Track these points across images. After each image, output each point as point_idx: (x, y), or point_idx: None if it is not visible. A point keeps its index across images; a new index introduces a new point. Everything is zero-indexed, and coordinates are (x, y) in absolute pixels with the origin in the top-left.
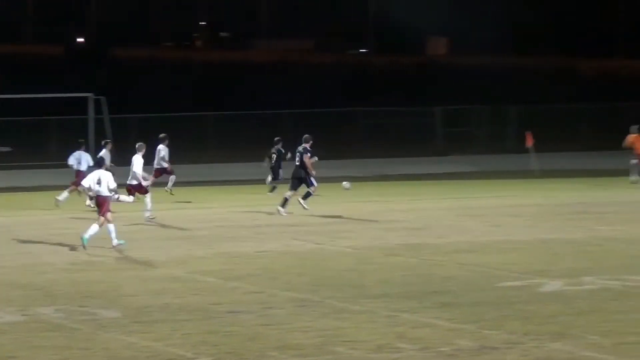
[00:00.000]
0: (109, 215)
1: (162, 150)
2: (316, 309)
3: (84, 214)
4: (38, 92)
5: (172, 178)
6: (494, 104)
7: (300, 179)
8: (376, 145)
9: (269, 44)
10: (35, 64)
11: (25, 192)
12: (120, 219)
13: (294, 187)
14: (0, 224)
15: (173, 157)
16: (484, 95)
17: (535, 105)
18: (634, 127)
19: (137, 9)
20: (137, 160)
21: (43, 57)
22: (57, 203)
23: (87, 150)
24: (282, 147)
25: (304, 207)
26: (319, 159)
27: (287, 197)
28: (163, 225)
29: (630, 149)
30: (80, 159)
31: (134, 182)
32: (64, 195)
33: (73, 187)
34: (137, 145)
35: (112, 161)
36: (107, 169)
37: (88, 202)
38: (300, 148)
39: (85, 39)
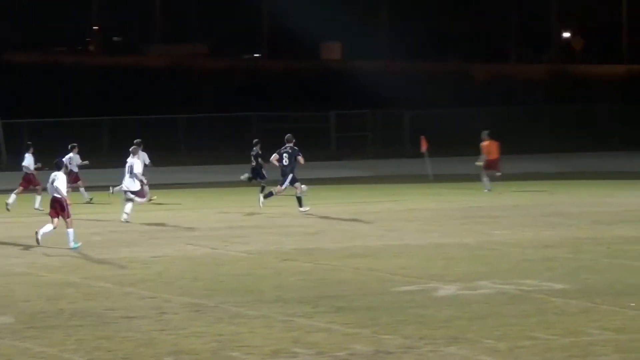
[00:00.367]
0: (69, 221)
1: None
2: (211, 313)
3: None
4: None
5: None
6: (388, 108)
7: (284, 176)
8: (270, 150)
9: (162, 48)
10: None
11: None
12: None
13: (291, 183)
14: None
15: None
16: (378, 100)
17: (430, 110)
18: (484, 133)
19: (29, 13)
20: (137, 163)
21: None
22: (8, 207)
23: (33, 154)
24: (260, 149)
25: (259, 205)
26: (209, 164)
27: (298, 195)
28: (57, 232)
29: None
30: (29, 161)
31: (134, 188)
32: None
33: (21, 188)
34: (131, 148)
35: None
36: (65, 172)
37: (37, 204)
38: (287, 149)
39: None
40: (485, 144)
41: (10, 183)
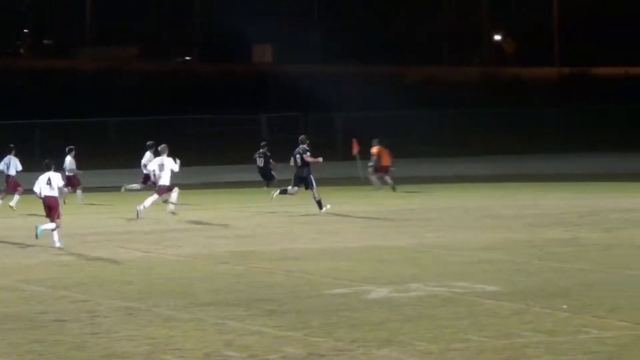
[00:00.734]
0: (58, 221)
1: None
2: (144, 317)
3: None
4: None
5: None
6: (320, 111)
7: (301, 178)
8: (203, 153)
9: (93, 51)
10: None
11: None
12: None
13: (297, 185)
14: None
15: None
16: (310, 103)
17: (362, 113)
18: (375, 140)
19: None
20: (155, 162)
21: None
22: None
23: (16, 155)
24: (268, 151)
25: (271, 198)
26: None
27: (292, 193)
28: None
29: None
30: (9, 163)
31: (166, 183)
32: None
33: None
34: (160, 148)
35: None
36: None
37: (13, 203)
38: (299, 149)
39: None
40: (374, 150)
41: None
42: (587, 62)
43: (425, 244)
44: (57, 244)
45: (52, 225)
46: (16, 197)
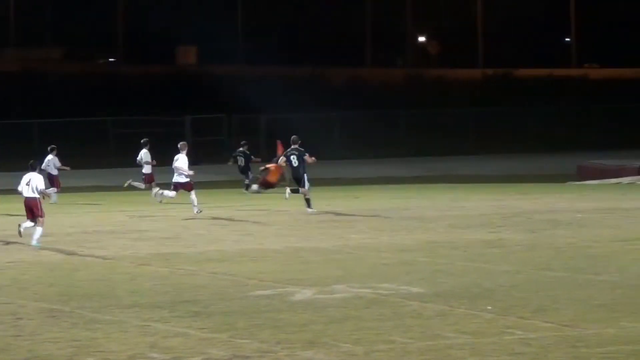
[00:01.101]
0: (41, 220)
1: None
2: (67, 319)
3: None
4: None
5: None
6: (244, 113)
7: (297, 179)
8: (126, 155)
9: (16, 52)
10: None
11: None
12: None
13: (302, 185)
14: None
15: None
16: (235, 105)
17: (286, 114)
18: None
19: None
20: (182, 158)
21: None
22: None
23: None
24: (247, 149)
25: (286, 197)
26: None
27: (307, 197)
28: None
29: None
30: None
31: (181, 180)
32: None
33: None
34: (179, 145)
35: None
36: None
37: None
38: (294, 150)
39: None
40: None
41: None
42: (511, 63)
43: (349, 245)
44: (33, 242)
45: (32, 224)
46: None
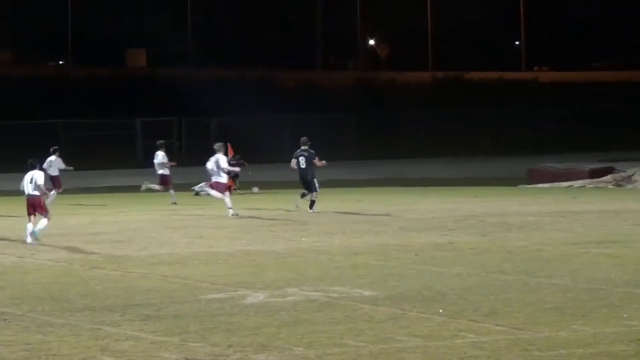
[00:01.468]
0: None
1: (159, 155)
2: (18, 322)
3: None
4: None
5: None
6: (195, 116)
7: (306, 181)
8: (77, 158)
9: None
10: None
11: None
12: None
13: (311, 189)
14: None
15: None
16: (185, 108)
17: (237, 117)
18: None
19: None
20: (223, 159)
21: None
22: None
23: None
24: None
25: (296, 206)
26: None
27: (313, 198)
28: None
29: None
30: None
31: (222, 180)
32: None
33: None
34: (216, 146)
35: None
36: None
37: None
38: (303, 151)
39: None
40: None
41: None
42: (461, 66)
43: (301, 248)
44: (35, 229)
45: (40, 222)
46: None
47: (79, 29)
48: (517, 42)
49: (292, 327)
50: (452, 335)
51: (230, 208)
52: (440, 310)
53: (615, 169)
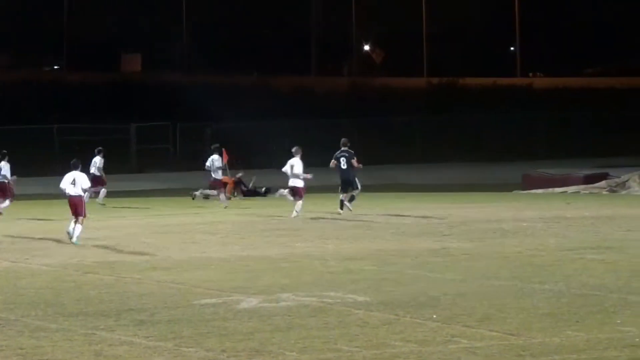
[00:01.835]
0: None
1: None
2: (12, 327)
3: None
4: None
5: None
6: (190, 121)
7: (348, 181)
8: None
9: None
10: None
11: None
12: None
13: (345, 190)
14: None
15: None
16: (179, 113)
17: (232, 123)
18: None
19: None
20: (298, 163)
21: None
22: None
23: (8, 161)
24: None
25: (349, 209)
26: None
27: (342, 199)
28: None
29: None
30: (0, 168)
31: (299, 184)
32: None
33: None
34: (294, 149)
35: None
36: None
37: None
38: (344, 152)
39: None
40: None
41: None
42: (456, 72)
43: (295, 254)
44: (74, 239)
45: (76, 229)
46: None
47: (74, 34)
48: (512, 48)
49: (286, 332)
50: (446, 341)
51: (296, 211)
52: (434, 316)
53: (610, 175)
